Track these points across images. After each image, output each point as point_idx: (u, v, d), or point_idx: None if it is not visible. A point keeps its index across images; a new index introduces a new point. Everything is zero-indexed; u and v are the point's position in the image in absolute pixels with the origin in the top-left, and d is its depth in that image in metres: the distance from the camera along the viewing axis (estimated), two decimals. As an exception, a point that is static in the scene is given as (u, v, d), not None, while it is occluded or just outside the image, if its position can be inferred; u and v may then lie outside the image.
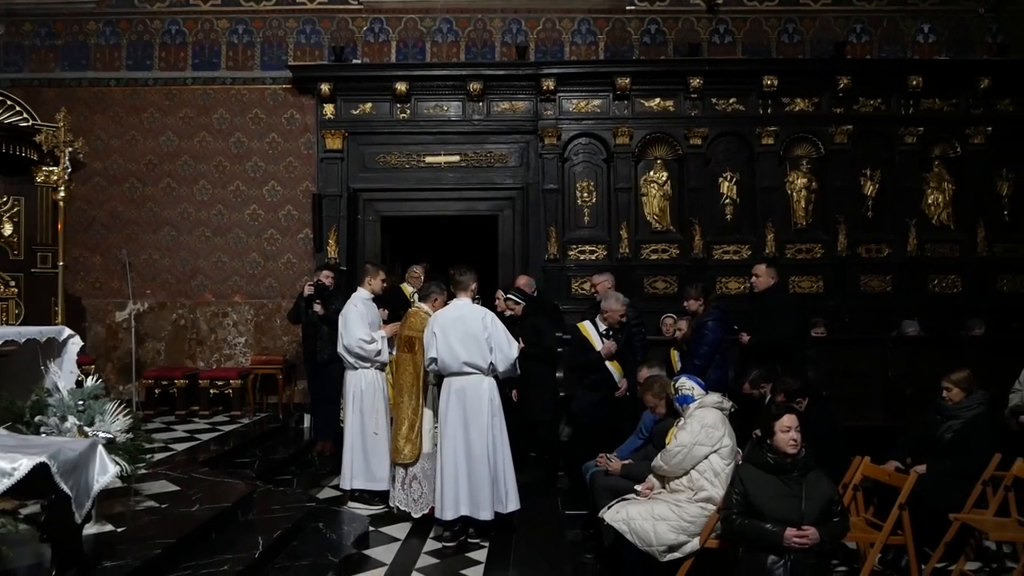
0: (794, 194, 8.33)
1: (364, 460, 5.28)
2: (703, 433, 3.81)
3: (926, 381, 5.88)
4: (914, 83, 8.10)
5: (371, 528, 4.80)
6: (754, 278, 5.65)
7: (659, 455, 3.97)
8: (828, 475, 3.49)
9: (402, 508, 4.97)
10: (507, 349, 4.61)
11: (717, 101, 8.28)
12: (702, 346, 5.24)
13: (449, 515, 4.51)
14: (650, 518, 3.78)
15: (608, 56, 8.48)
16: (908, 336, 7.20)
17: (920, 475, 3.80)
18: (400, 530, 4.86)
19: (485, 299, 6.63)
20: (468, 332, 4.56)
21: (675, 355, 5.78)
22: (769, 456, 3.40)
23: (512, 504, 4.65)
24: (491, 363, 4.59)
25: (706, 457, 3.81)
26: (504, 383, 4.94)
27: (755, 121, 8.24)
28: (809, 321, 5.83)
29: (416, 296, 6.81)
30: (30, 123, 7.30)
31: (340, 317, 5.42)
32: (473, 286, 4.83)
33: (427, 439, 4.90)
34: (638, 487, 4.12)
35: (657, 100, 8.29)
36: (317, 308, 6.61)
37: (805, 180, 8.32)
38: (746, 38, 8.50)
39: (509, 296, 6.09)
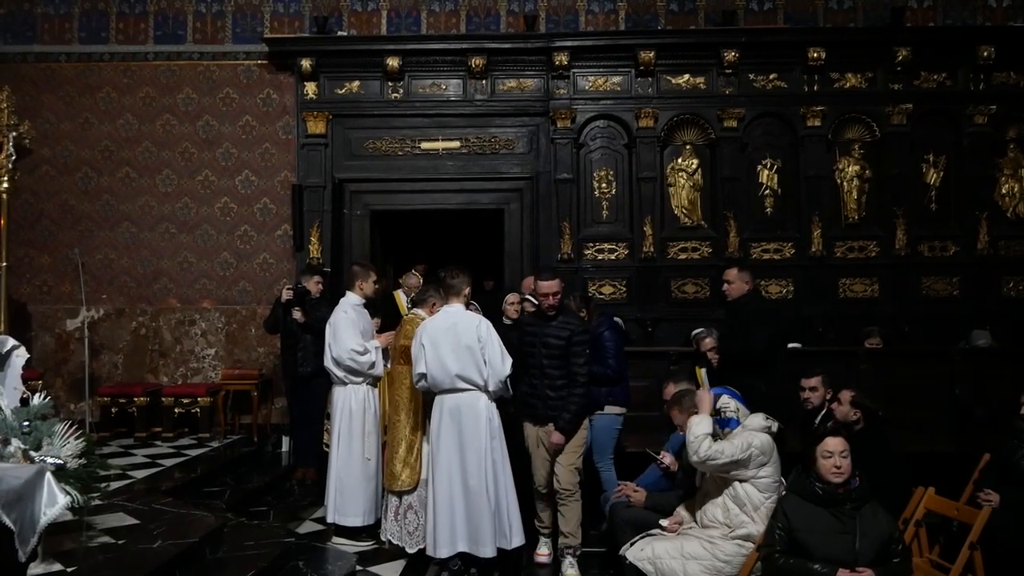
0: (844, 184, 8.30)
1: (352, 490, 5.26)
2: (748, 453, 3.78)
3: (1000, 400, 5.84)
4: (985, 54, 8.06)
5: (358, 568, 4.79)
6: (726, 285, 5.76)
7: (701, 440, 3.85)
8: (886, 508, 3.46)
9: (394, 542, 4.96)
10: (499, 365, 4.58)
11: (755, 77, 8.27)
12: (608, 359, 5.56)
13: (444, 552, 4.49)
14: (679, 556, 3.76)
15: (629, 26, 8.48)
16: (978, 348, 7.14)
17: (994, 509, 3.76)
18: (391, 570, 4.85)
19: (496, 303, 6.65)
20: (461, 343, 4.54)
21: (701, 373, 5.77)
22: (817, 485, 3.38)
23: (516, 539, 4.62)
24: (487, 378, 4.58)
25: (741, 476, 3.79)
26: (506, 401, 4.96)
27: (799, 100, 8.22)
28: (786, 330, 5.88)
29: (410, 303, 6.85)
30: (-31, 104, 7.36)
31: (328, 326, 5.42)
32: (467, 290, 4.82)
33: (427, 463, 4.89)
34: (663, 522, 4.10)
35: (686, 76, 8.28)
36: (297, 315, 6.62)
37: (857, 167, 8.29)
38: (788, 4, 8.49)
39: (527, 298, 6.09)
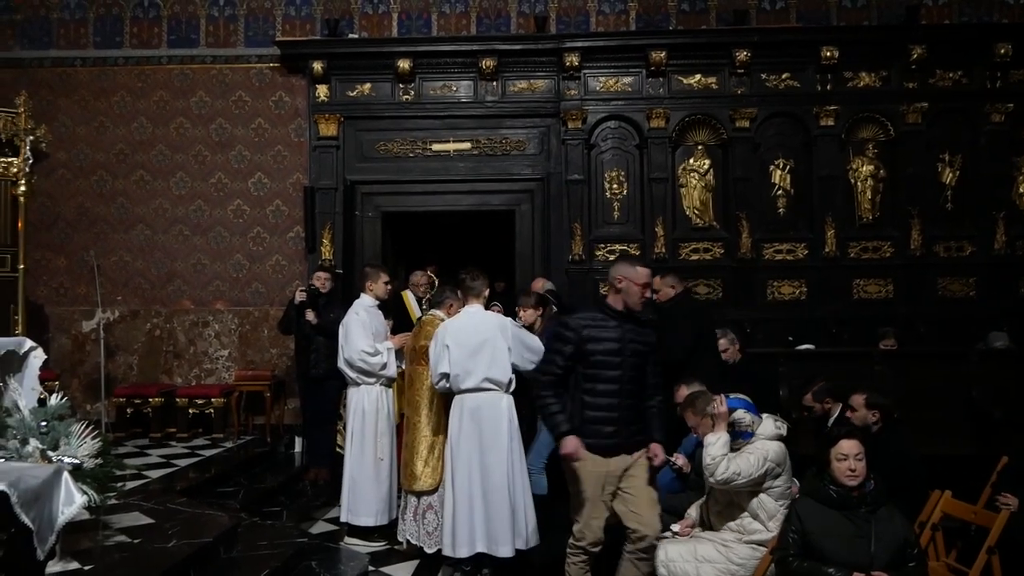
0: (858, 184, 8.26)
1: (365, 490, 5.28)
2: (764, 468, 3.77)
3: (1018, 402, 5.78)
4: (1002, 51, 8.00)
5: (371, 568, 4.82)
6: (655, 294, 5.73)
7: (718, 462, 3.82)
8: (902, 511, 3.44)
9: (413, 542, 4.98)
10: (536, 345, 4.68)
11: (767, 77, 8.24)
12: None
13: (463, 552, 4.51)
14: (693, 560, 3.75)
15: (640, 26, 8.48)
16: (996, 349, 7.08)
17: (1012, 513, 3.73)
18: (404, 570, 4.86)
19: (507, 303, 6.66)
20: (487, 343, 4.58)
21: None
22: (831, 488, 3.36)
23: (532, 539, 4.65)
24: (511, 378, 4.62)
25: (756, 485, 3.78)
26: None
27: (812, 99, 8.18)
28: (713, 329, 5.87)
29: (419, 304, 6.88)
30: (-13, 109, 7.45)
31: (340, 327, 5.45)
32: (486, 292, 4.86)
33: (447, 464, 4.90)
34: (675, 526, 4.09)
35: (697, 76, 8.27)
36: (310, 317, 6.65)
37: (871, 167, 8.25)
38: (801, 3, 8.46)
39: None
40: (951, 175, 8.26)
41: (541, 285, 6.49)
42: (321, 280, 6.91)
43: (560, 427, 3.66)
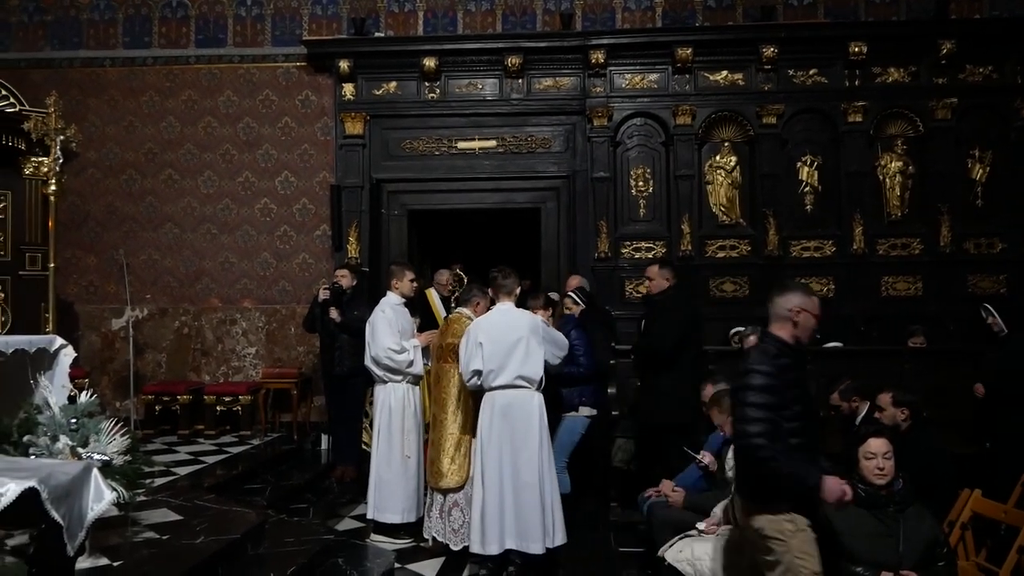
0: (887, 180, 8.14)
1: (392, 487, 5.29)
2: None
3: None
4: (1034, 46, 7.84)
5: (397, 565, 4.84)
6: (647, 281, 5.79)
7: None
8: (931, 510, 3.39)
9: (439, 539, 5.00)
10: (562, 340, 4.83)
11: (795, 73, 8.15)
12: (579, 357, 5.45)
13: (493, 548, 4.51)
14: (719, 558, 3.72)
15: (666, 23, 8.42)
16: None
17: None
18: (430, 567, 4.88)
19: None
20: (520, 341, 4.59)
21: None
22: (860, 487, 3.32)
23: (559, 538, 4.64)
24: (542, 376, 4.63)
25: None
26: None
27: (840, 95, 8.07)
28: (700, 326, 5.79)
29: (443, 302, 6.89)
30: (17, 108, 7.58)
31: (367, 325, 5.48)
32: (517, 290, 4.87)
33: (475, 461, 4.91)
34: (700, 524, 4.06)
35: (724, 73, 8.19)
36: (334, 314, 6.68)
37: (900, 163, 8.12)
38: (829, -2, 8.35)
39: (569, 295, 6.11)
40: (981, 171, 8.11)
41: (577, 282, 6.45)
42: (344, 278, 6.92)
43: (811, 476, 2.95)
